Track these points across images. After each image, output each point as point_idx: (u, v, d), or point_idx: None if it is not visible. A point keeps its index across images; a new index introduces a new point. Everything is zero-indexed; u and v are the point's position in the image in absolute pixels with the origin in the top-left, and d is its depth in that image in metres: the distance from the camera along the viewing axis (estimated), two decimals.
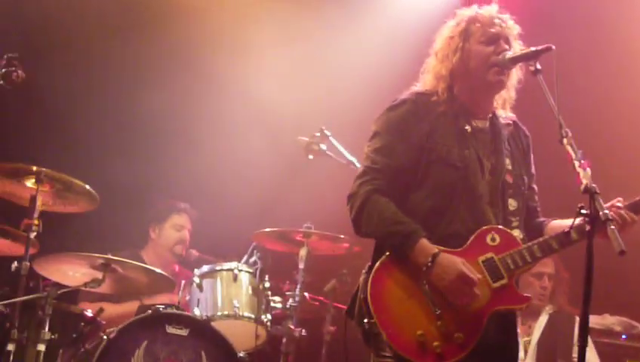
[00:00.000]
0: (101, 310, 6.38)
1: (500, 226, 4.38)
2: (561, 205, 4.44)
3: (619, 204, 4.30)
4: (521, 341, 7.03)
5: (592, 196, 3.76)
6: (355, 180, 4.44)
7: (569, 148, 3.92)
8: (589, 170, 3.84)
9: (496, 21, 4.55)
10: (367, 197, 4.34)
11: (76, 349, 6.12)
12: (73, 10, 8.19)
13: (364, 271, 4.40)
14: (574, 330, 6.72)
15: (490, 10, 4.60)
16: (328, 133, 7.16)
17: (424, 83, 4.64)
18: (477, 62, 4.50)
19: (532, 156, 4.77)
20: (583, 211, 3.82)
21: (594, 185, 3.78)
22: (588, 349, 6.72)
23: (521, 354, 6.98)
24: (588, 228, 3.75)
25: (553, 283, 7.24)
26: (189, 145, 8.52)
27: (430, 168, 4.39)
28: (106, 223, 7.73)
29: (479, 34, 4.53)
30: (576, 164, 3.86)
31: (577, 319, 6.06)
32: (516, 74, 4.60)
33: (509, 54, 4.43)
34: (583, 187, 3.79)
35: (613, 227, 3.65)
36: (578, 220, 3.98)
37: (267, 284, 6.91)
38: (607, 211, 3.71)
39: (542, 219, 4.70)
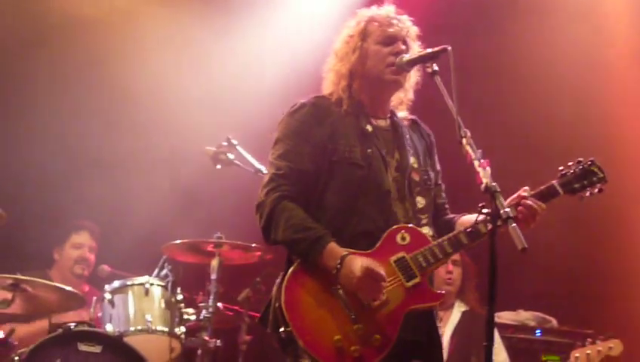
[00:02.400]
0: (12, 331, 6.28)
1: (410, 225, 4.40)
2: (468, 203, 4.47)
3: (525, 194, 4.34)
4: None
5: (493, 195, 3.79)
6: (262, 189, 4.43)
7: (468, 148, 3.95)
8: (488, 169, 3.87)
9: (394, 22, 4.60)
10: (275, 205, 4.33)
11: None
12: None
13: (277, 279, 4.39)
14: None
15: (388, 10, 4.66)
16: (235, 142, 7.16)
17: (326, 82, 4.67)
18: (374, 61, 4.53)
19: (436, 153, 4.81)
20: (485, 210, 3.88)
21: (494, 183, 3.81)
22: (499, 348, 6.90)
23: None
24: (489, 227, 3.79)
25: (461, 272, 7.27)
26: (94, 162, 8.41)
27: (334, 168, 4.41)
28: (15, 243, 7.61)
29: (377, 34, 4.57)
30: (476, 163, 3.89)
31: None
32: (414, 76, 4.65)
33: (406, 57, 4.47)
34: (483, 186, 3.82)
35: (514, 225, 3.66)
36: (481, 216, 4.03)
37: (180, 297, 6.88)
38: (507, 209, 3.74)
39: (451, 215, 4.73)
